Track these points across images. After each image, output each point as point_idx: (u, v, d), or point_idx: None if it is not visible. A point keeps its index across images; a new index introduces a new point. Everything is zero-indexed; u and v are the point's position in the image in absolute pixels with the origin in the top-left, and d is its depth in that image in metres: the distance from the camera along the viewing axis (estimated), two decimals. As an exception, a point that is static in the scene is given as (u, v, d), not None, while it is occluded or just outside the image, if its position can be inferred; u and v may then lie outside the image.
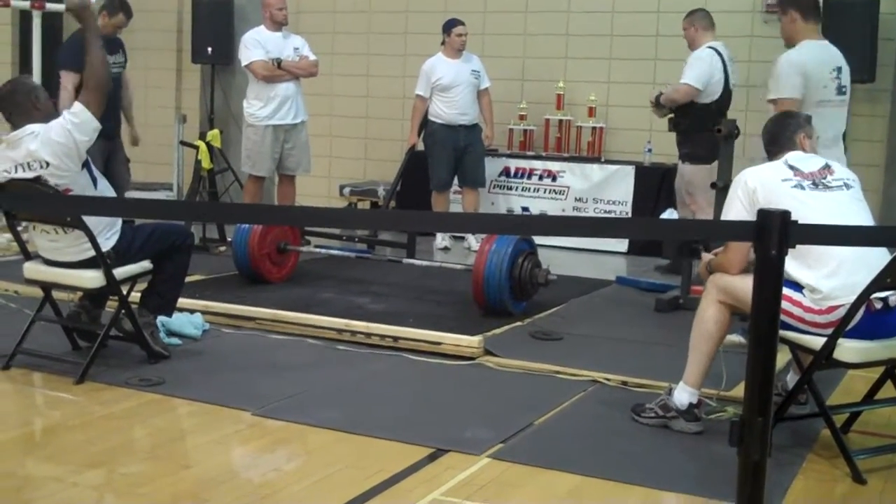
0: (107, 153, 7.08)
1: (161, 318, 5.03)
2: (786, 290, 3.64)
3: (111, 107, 7.17)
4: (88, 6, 4.82)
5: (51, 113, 4.66)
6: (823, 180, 3.93)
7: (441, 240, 8.52)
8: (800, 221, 2.33)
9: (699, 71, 7.05)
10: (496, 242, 5.71)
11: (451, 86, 8.18)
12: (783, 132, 4.13)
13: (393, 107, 9.87)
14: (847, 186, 3.98)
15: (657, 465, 3.76)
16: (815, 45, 5.34)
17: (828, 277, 3.72)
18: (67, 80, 6.77)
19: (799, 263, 3.75)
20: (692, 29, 7.20)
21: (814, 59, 5.29)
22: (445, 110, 8.22)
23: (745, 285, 3.70)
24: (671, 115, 7.24)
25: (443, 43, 8.33)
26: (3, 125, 4.76)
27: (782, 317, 3.56)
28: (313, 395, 4.47)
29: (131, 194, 7.68)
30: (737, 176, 4.01)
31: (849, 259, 3.73)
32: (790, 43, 5.44)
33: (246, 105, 7.84)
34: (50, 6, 8.33)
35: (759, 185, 3.87)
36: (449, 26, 8.27)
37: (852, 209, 3.95)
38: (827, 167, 4.01)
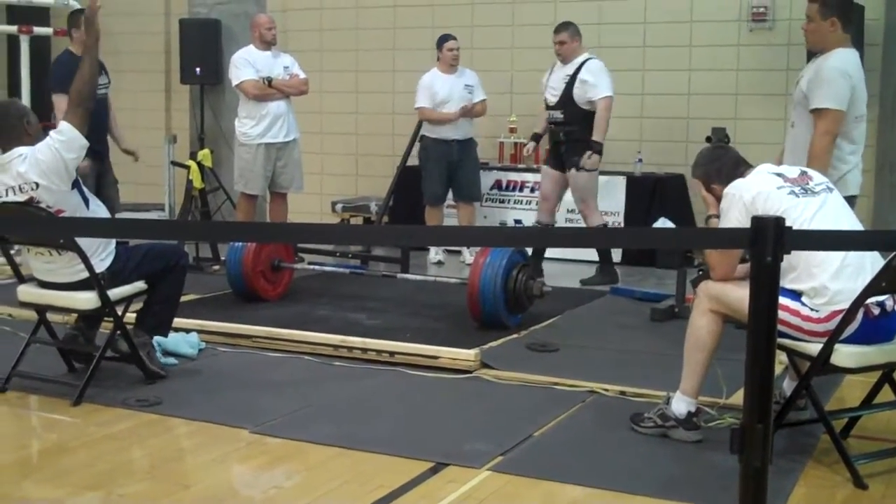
0: (97, 174, 7.07)
1: (157, 339, 5.02)
2: (783, 300, 3.65)
3: (100, 128, 7.19)
4: (97, 18, 4.82)
5: (40, 136, 4.65)
6: (807, 186, 3.94)
7: (435, 254, 8.52)
8: (803, 227, 2.33)
9: (608, 81, 7.35)
10: (490, 255, 5.71)
11: (445, 101, 8.20)
12: (736, 152, 4.17)
13: (383, 122, 9.88)
14: (829, 189, 4.00)
15: (657, 474, 3.76)
16: (854, 56, 5.07)
17: (832, 280, 3.72)
18: (61, 103, 6.75)
19: (800, 273, 3.75)
20: (574, 42, 7.43)
21: (858, 72, 5.04)
22: (438, 125, 8.23)
23: (738, 294, 3.72)
24: (553, 127, 7.50)
25: (438, 58, 8.34)
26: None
27: (780, 327, 3.57)
28: (311, 411, 4.46)
29: (123, 216, 7.67)
30: (727, 192, 3.96)
31: (849, 263, 3.74)
32: (818, 49, 5.12)
33: (238, 124, 7.85)
34: (38, 30, 8.36)
35: (757, 195, 3.85)
36: (441, 42, 8.30)
37: (843, 213, 3.97)
38: (805, 173, 4.03)
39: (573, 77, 7.36)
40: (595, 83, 7.29)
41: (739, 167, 4.09)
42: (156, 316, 4.95)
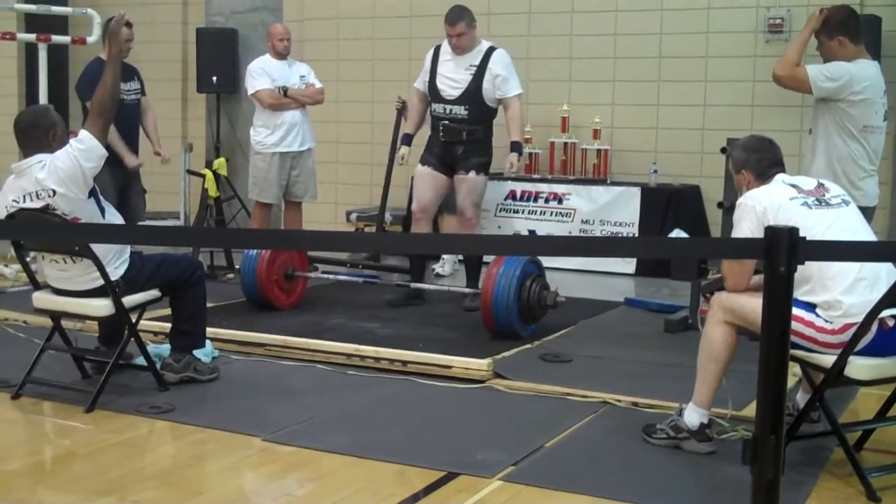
0: (122, 182, 7.08)
1: (157, 350, 5.06)
2: (797, 311, 3.64)
3: (129, 136, 7.20)
4: (121, 30, 4.86)
5: (62, 144, 4.66)
6: (823, 198, 3.94)
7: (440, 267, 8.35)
8: (815, 238, 2.32)
9: (517, 75, 6.67)
10: (504, 265, 5.71)
11: None
12: (779, 153, 4.15)
13: (398, 132, 9.88)
14: (845, 203, 3.99)
15: (669, 485, 3.75)
16: (873, 66, 5.15)
17: (846, 294, 3.71)
18: None
19: (814, 286, 3.74)
20: (472, 30, 6.58)
21: (874, 81, 5.10)
22: None
23: (752, 305, 3.71)
24: (450, 125, 6.56)
25: None
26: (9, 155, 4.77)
27: (794, 338, 3.56)
28: (323, 420, 4.46)
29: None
30: (740, 201, 3.97)
31: (864, 276, 3.73)
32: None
33: (253, 133, 7.88)
34: (56, 39, 8.40)
35: (769, 206, 3.85)
36: None
37: (858, 226, 3.96)
38: (821, 185, 4.03)
39: (481, 68, 6.54)
40: (508, 77, 6.54)
41: (774, 168, 4.08)
42: (188, 334, 4.99)
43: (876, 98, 5.11)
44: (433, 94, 6.68)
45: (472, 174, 6.60)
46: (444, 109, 6.61)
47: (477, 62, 6.56)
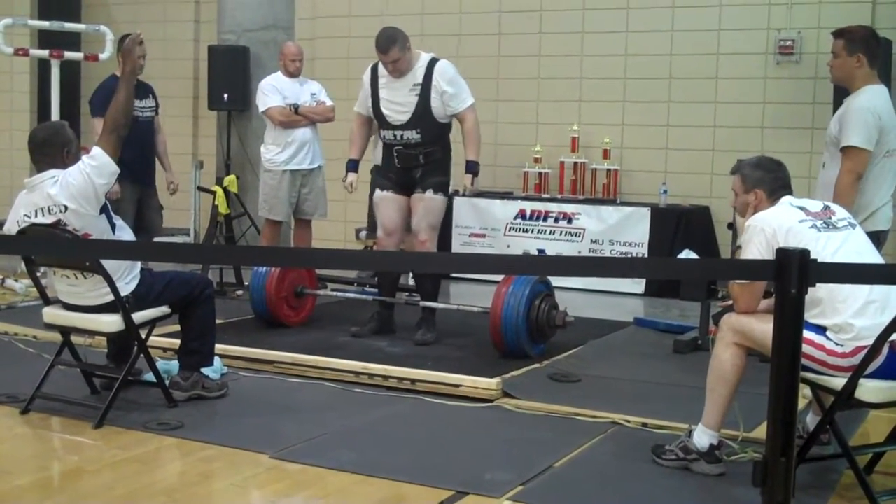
0: (139, 199, 7.14)
1: (167, 366, 5.06)
2: (808, 334, 3.63)
3: (145, 153, 7.27)
4: (135, 48, 4.89)
5: (75, 160, 4.69)
6: (830, 220, 3.93)
7: None
8: (824, 261, 2.32)
9: (466, 85, 6.18)
10: (513, 285, 5.71)
11: None
12: (788, 176, 4.14)
13: (408, 151, 9.89)
14: (852, 226, 3.98)
15: (679, 507, 3.73)
16: (883, 92, 5.09)
17: (856, 317, 3.70)
18: (100, 126, 6.81)
19: (824, 309, 3.73)
20: (408, 52, 6.04)
21: (887, 107, 5.03)
22: None
23: (762, 327, 3.70)
24: (405, 150, 6.17)
25: None
26: (21, 170, 4.79)
27: (804, 361, 3.54)
28: (332, 437, 4.46)
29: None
30: (749, 223, 3.97)
31: (874, 299, 3.72)
32: (844, 84, 5.18)
33: (263, 150, 7.89)
34: (68, 55, 8.46)
35: (778, 228, 3.84)
36: None
37: (865, 248, 3.96)
38: (828, 208, 4.02)
39: (426, 86, 6.07)
40: (456, 92, 6.07)
41: (784, 189, 4.08)
42: (196, 352, 4.99)
43: (893, 122, 5.09)
44: (379, 120, 6.23)
45: (429, 193, 6.17)
46: (395, 136, 6.16)
47: (420, 80, 6.07)
